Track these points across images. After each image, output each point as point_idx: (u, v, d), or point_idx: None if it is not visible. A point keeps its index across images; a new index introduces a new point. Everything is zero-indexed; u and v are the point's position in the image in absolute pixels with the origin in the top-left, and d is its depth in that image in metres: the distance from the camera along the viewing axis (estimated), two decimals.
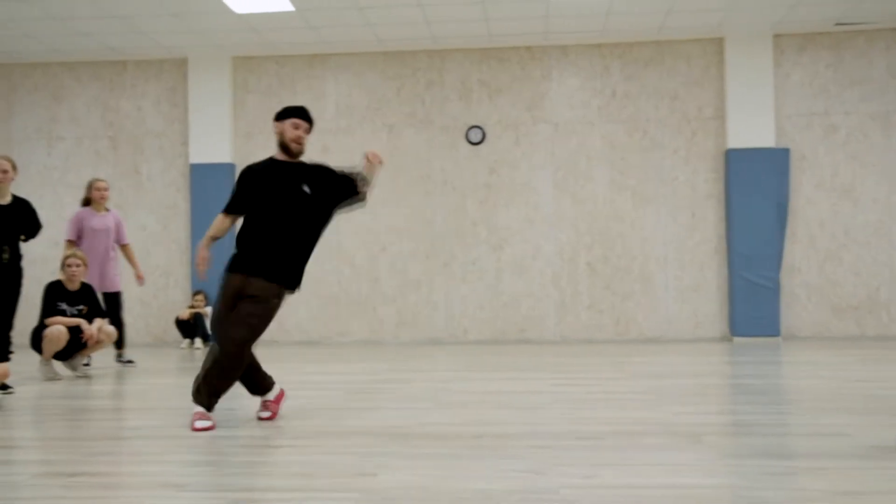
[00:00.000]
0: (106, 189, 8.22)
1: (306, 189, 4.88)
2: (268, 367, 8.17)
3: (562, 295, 10.44)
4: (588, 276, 10.41)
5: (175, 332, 10.40)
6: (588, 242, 10.43)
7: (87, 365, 7.84)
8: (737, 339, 10.00)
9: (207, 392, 4.81)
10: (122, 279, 8.46)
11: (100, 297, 7.99)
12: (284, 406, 5.46)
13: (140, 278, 8.45)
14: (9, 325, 6.64)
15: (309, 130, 4.95)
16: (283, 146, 4.96)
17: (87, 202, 8.19)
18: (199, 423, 4.67)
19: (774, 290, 9.97)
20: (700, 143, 10.35)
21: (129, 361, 8.18)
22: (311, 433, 4.50)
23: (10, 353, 6.63)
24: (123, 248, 8.39)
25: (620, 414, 5.01)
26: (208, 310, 10.36)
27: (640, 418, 4.84)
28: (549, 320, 10.44)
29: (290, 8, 8.98)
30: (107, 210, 8.28)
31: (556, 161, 10.50)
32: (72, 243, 8.01)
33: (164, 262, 10.80)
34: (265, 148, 10.73)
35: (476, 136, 10.57)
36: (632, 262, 10.38)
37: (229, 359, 4.79)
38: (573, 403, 5.43)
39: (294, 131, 4.91)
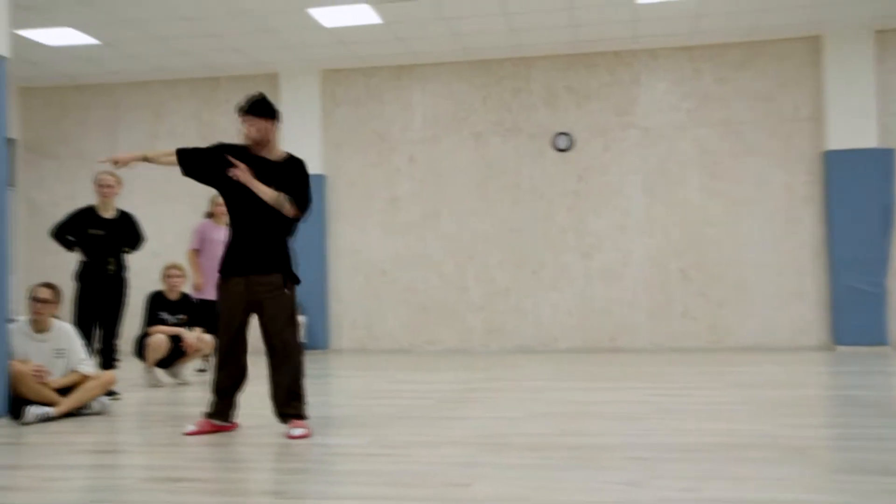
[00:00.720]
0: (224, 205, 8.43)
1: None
2: (359, 375, 8.31)
3: (653, 302, 10.25)
4: (681, 282, 10.20)
5: None
6: (680, 248, 10.22)
7: (203, 371, 8.11)
8: (840, 348, 9.63)
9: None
10: None
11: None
12: (377, 413, 5.51)
13: None
14: (115, 335, 6.92)
15: (259, 122, 4.96)
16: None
17: (209, 215, 8.46)
18: (297, 431, 4.73)
19: (881, 296, 9.57)
20: (796, 146, 10.03)
21: (202, 370, 8.42)
22: (405, 442, 4.53)
23: (117, 360, 6.91)
24: None
25: (720, 425, 4.87)
26: (301, 318, 10.55)
27: (740, 430, 4.70)
28: (641, 328, 10.27)
29: (377, 21, 9.10)
30: (226, 224, 8.50)
31: (646, 166, 10.34)
32: (196, 252, 8.26)
33: None
34: (354, 158, 10.95)
35: (564, 143, 10.50)
36: (726, 268, 10.12)
37: (297, 362, 4.99)
38: (670, 414, 5.31)
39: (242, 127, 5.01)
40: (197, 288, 8.15)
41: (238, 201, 4.91)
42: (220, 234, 8.44)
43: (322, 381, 8.02)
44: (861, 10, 9.11)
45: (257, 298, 4.86)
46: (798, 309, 9.97)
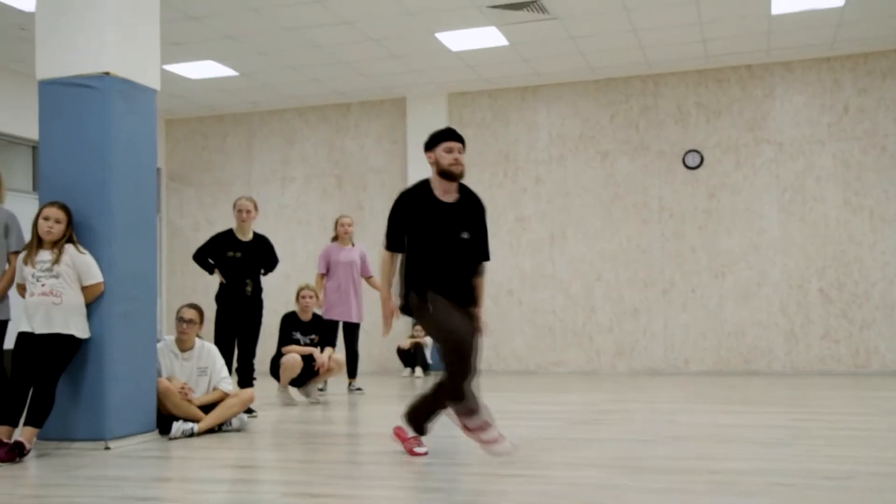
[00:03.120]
0: (350, 224, 8.71)
1: (465, 235, 4.73)
2: (487, 396, 8.28)
3: (791, 324, 9.82)
4: (821, 303, 9.73)
5: (397, 361, 10.79)
6: (820, 267, 9.76)
7: (322, 390, 8.30)
8: None
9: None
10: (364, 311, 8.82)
11: (341, 326, 8.46)
12: (509, 434, 5.48)
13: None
14: (252, 354, 7.17)
15: (463, 150, 4.70)
16: (443, 173, 4.67)
17: (335, 238, 8.72)
18: (418, 449, 4.76)
19: None
20: None
21: (359, 389, 8.56)
22: (537, 463, 4.48)
23: (254, 379, 7.16)
24: (368, 280, 8.76)
25: (870, 453, 4.59)
26: (428, 340, 10.68)
27: (893, 458, 4.41)
28: (778, 350, 9.85)
29: (504, 42, 9.16)
30: (352, 245, 8.75)
31: (781, 183, 9.95)
32: (323, 276, 8.53)
33: None
34: (481, 179, 11.02)
35: (694, 161, 10.24)
36: (871, 287, 9.59)
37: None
38: (815, 440, 5.05)
39: (448, 155, 4.65)
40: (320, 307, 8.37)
41: (440, 252, 4.67)
42: (346, 255, 8.64)
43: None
44: None
45: None
46: None
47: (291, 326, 7.87)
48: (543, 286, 10.71)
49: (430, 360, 10.62)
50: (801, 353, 9.78)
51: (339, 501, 3.74)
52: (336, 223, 8.77)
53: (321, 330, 7.98)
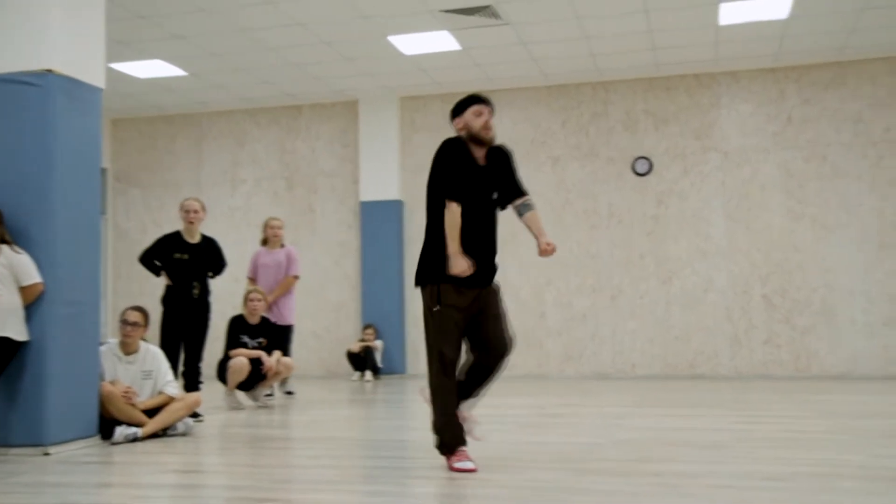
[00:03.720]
0: (279, 227, 8.57)
1: (495, 196, 4.52)
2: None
3: (735, 329, 10.00)
4: (764, 309, 9.93)
5: (346, 365, 10.73)
6: (763, 274, 9.96)
7: (270, 395, 8.21)
8: None
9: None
10: (296, 313, 8.76)
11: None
12: None
13: (269, 306, 8.36)
14: (199, 357, 7.08)
15: (493, 112, 4.46)
16: (474, 138, 4.43)
17: (264, 241, 8.64)
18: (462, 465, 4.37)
19: None
20: (888, 168, 9.70)
21: (290, 393, 8.49)
22: (486, 467, 4.49)
23: (201, 383, 7.06)
24: (285, 278, 8.41)
25: (810, 455, 4.70)
26: (378, 343, 10.65)
27: (831, 459, 4.52)
28: (723, 355, 10.02)
29: (456, 47, 9.19)
30: (281, 246, 8.64)
31: (727, 190, 10.13)
32: (252, 280, 8.48)
33: (336, 297, 11.20)
34: None
35: (643, 167, 10.38)
36: (812, 294, 9.81)
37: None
38: (756, 442, 5.15)
39: (479, 119, 4.41)
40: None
41: (474, 217, 4.39)
42: (271, 258, 8.53)
43: (399, 406, 8.04)
44: None
45: (483, 307, 4.54)
46: (889, 337, 9.59)
47: (239, 329, 7.78)
48: None
49: (380, 364, 10.58)
50: (745, 358, 9.96)
51: None
52: (265, 226, 8.65)
53: (269, 333, 7.90)
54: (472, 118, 4.44)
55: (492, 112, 4.47)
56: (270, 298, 8.34)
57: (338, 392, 9.14)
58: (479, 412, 7.11)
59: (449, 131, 11.84)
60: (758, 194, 10.07)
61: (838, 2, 8.08)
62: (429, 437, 5.62)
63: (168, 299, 7.02)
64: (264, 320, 7.93)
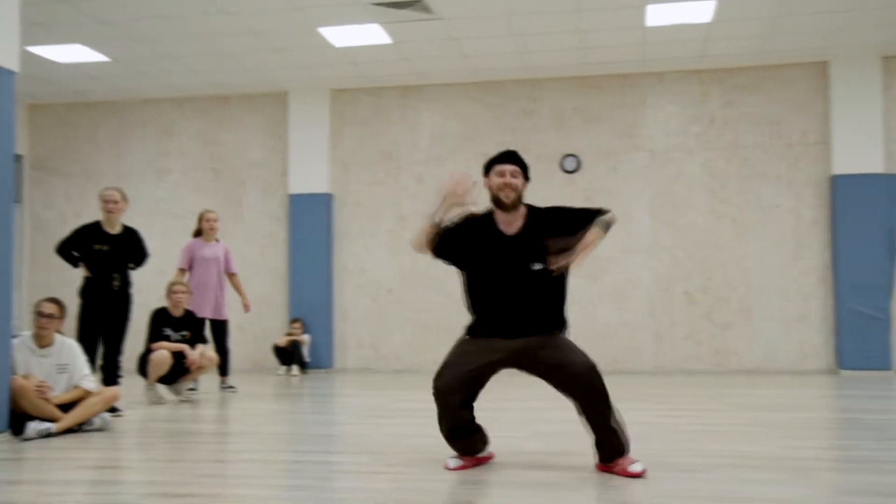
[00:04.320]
0: (216, 220, 8.52)
1: (537, 267, 4.10)
2: (363, 394, 8.28)
3: (658, 325, 10.22)
4: (686, 305, 10.17)
5: (273, 359, 10.62)
6: (686, 271, 10.20)
7: (192, 390, 8.08)
8: (844, 372, 9.58)
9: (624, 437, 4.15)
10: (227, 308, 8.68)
11: (208, 324, 8.27)
12: (381, 432, 5.50)
13: (247, 307, 8.71)
14: (119, 351, 6.91)
15: (518, 173, 4.13)
16: (495, 201, 4.16)
17: (198, 233, 8.51)
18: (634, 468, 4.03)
19: (886, 321, 9.53)
20: (803, 170, 10.02)
21: (231, 388, 8.38)
22: (409, 461, 4.50)
23: (120, 377, 6.90)
24: (231, 276, 8.64)
25: (723, 446, 4.84)
26: (305, 337, 10.57)
27: (744, 451, 4.66)
28: (646, 351, 10.23)
29: (387, 40, 9.16)
30: (216, 240, 8.57)
31: (652, 189, 10.34)
32: (183, 272, 8.33)
33: (262, 291, 11.06)
34: (362, 177, 10.98)
35: (571, 165, 10.51)
36: (731, 291, 10.09)
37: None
38: (673, 435, 5.28)
39: (500, 179, 4.11)
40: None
41: (506, 289, 4.18)
42: (210, 251, 8.45)
43: (326, 400, 8.00)
44: (868, 37, 9.13)
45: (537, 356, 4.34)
46: (803, 333, 9.93)
47: (162, 322, 7.63)
48: (423, 285, 10.76)
49: (307, 358, 10.50)
50: (667, 353, 10.19)
51: (202, 501, 3.65)
52: (200, 218, 8.57)
53: (193, 326, 7.77)
54: (494, 178, 4.14)
55: (518, 172, 4.13)
56: (244, 299, 8.63)
57: (263, 386, 9.04)
58: (408, 406, 7.14)
59: (378, 126, 11.77)
60: (682, 193, 10.30)
61: (759, 7, 8.31)
62: (352, 432, 5.61)
63: (87, 291, 6.84)
64: (188, 313, 7.79)
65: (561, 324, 4.30)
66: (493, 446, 4.96)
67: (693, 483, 3.86)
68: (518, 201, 4.15)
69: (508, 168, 4.13)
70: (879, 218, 9.61)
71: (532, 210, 4.22)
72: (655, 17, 8.51)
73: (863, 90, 9.75)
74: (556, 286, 4.20)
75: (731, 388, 8.19)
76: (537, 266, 4.09)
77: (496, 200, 4.16)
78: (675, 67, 10.24)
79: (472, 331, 4.37)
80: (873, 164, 9.67)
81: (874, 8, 8.31)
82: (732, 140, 10.18)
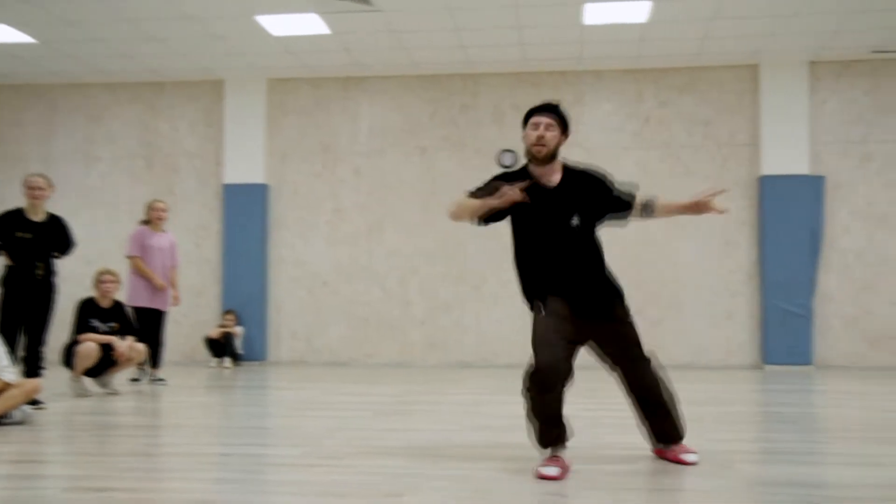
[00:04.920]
0: (164, 210, 8.45)
1: (576, 222, 4.07)
2: (297, 386, 8.22)
3: None
4: None
5: (205, 351, 10.46)
6: (619, 267, 10.29)
7: (136, 380, 7.98)
8: (768, 368, 9.86)
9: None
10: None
11: (145, 313, 8.13)
12: (313, 424, 5.47)
13: (177, 299, 8.59)
14: (41, 341, 6.72)
15: (553, 126, 4.05)
16: (529, 154, 4.14)
17: (146, 222, 8.38)
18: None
19: (808, 318, 9.83)
20: (733, 170, 10.26)
21: (161, 380, 8.23)
22: (340, 453, 4.48)
23: (42, 368, 6.71)
24: (171, 269, 8.53)
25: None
26: (238, 329, 10.43)
27: None
28: None
29: (326, 31, 9.08)
30: (164, 231, 8.47)
31: None
32: (136, 259, 8.18)
33: (196, 282, 10.88)
34: (299, 168, 10.87)
35: (508, 160, 10.57)
36: (663, 288, 10.29)
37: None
38: (605, 428, 5.37)
39: (533, 133, 4.06)
40: (160, 289, 8.21)
41: (545, 243, 4.12)
42: (159, 240, 8.37)
43: (258, 393, 7.91)
44: (795, 42, 9.39)
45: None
46: (730, 329, 10.18)
47: (89, 313, 7.45)
48: (360, 278, 10.72)
49: (240, 350, 10.37)
50: None
51: (126, 495, 3.58)
52: (148, 207, 8.45)
53: (122, 317, 7.60)
54: (528, 133, 4.09)
55: (553, 124, 4.06)
56: (175, 292, 8.55)
57: (195, 379, 8.90)
58: (343, 399, 7.11)
59: (317, 116, 11.69)
60: None
61: (693, 9, 8.48)
62: (285, 424, 5.57)
63: (8, 280, 6.63)
64: (117, 304, 7.63)
65: (618, 291, 4.28)
66: (429, 439, 4.96)
67: (621, 476, 3.92)
68: (551, 155, 4.08)
69: (544, 120, 4.05)
70: (804, 218, 9.91)
71: (568, 168, 4.20)
72: (593, 15, 8.61)
73: (790, 94, 10.03)
74: (594, 245, 4.18)
75: None
76: (576, 221, 4.06)
77: (529, 154, 4.11)
78: (613, 66, 10.38)
79: (535, 304, 4.17)
80: (799, 165, 9.96)
81: (802, 14, 8.55)
82: (666, 139, 10.37)
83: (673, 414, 4.27)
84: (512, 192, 3.93)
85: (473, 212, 4.13)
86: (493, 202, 3.99)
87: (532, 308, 4.19)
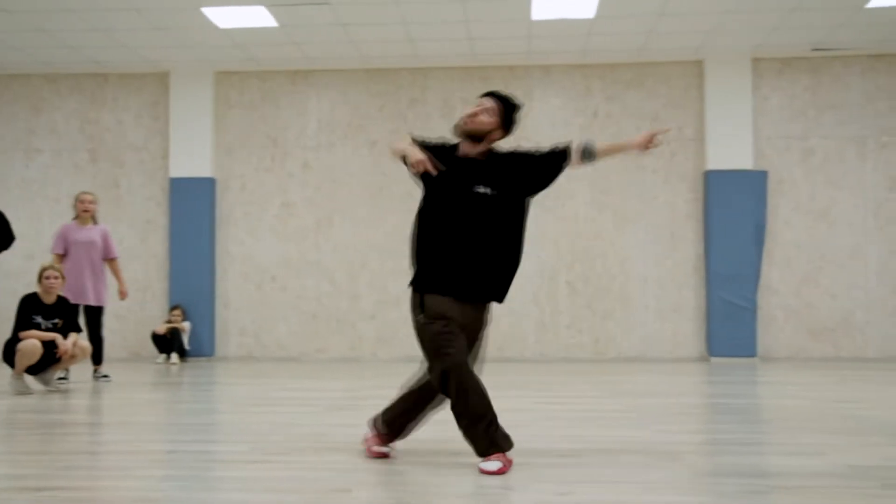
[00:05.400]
0: (91, 202, 8.21)
1: (482, 190, 3.92)
2: (244, 382, 8.14)
3: (541, 313, 10.44)
4: (568, 294, 10.43)
5: (151, 347, 10.30)
6: (569, 261, 10.45)
7: (63, 379, 7.76)
8: (714, 360, 10.04)
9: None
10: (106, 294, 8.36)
11: (82, 310, 7.95)
12: (261, 420, 5.42)
13: (123, 293, 8.39)
14: None
15: (494, 113, 4.00)
16: (456, 128, 4.07)
17: (76, 216, 8.20)
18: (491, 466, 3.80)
19: (751, 310, 10.03)
20: (680, 164, 10.42)
21: (105, 377, 8.08)
22: (288, 449, 4.45)
23: None
24: (111, 262, 8.32)
25: (599, 432, 4.99)
26: (185, 325, 10.29)
27: (618, 436, 4.83)
28: (529, 339, 10.44)
29: (273, 24, 8.99)
30: (94, 223, 8.25)
31: None
32: (60, 257, 7.99)
33: (141, 277, 10.71)
34: (247, 162, 10.75)
35: None
36: (612, 281, 10.41)
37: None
38: (552, 421, 5.41)
39: (470, 108, 4.04)
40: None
41: (451, 216, 3.96)
42: (85, 234, 8.15)
43: (206, 389, 7.82)
44: (739, 39, 9.57)
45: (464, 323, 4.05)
46: (677, 322, 10.35)
47: (32, 309, 7.28)
48: (308, 273, 10.65)
49: (187, 346, 10.24)
50: (550, 341, 10.43)
51: (66, 494, 3.51)
52: (76, 200, 8.25)
53: (66, 314, 7.45)
54: (468, 108, 4.07)
55: (489, 104, 4.01)
56: (122, 286, 8.31)
57: (141, 375, 8.76)
58: (292, 395, 7.06)
59: (265, 110, 11.55)
60: (565, 185, 10.51)
61: (639, 5, 8.58)
62: (232, 420, 5.52)
63: None
64: (61, 300, 7.46)
65: (501, 292, 4.07)
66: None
67: (568, 468, 3.96)
68: (478, 136, 4.01)
69: (488, 103, 4.00)
70: (748, 212, 10.10)
71: (494, 150, 4.11)
72: (540, 10, 8.66)
73: (734, 90, 10.21)
74: (504, 225, 3.94)
75: (609, 376, 8.46)
76: (483, 189, 3.90)
77: (457, 126, 4.04)
78: (561, 62, 10.46)
79: (422, 285, 3.96)
80: (743, 160, 10.15)
81: (745, 11, 8.71)
82: (615, 133, 10.47)
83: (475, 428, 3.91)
84: (423, 164, 3.84)
85: (397, 155, 4.09)
86: (410, 158, 3.88)
87: (413, 295, 4.03)
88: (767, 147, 10.29)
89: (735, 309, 10.04)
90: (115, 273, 8.37)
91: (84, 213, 8.17)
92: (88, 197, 8.23)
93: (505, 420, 5.42)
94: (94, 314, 8.16)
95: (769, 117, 10.30)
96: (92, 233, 8.19)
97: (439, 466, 3.98)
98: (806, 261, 10.23)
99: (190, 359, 10.32)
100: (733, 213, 10.08)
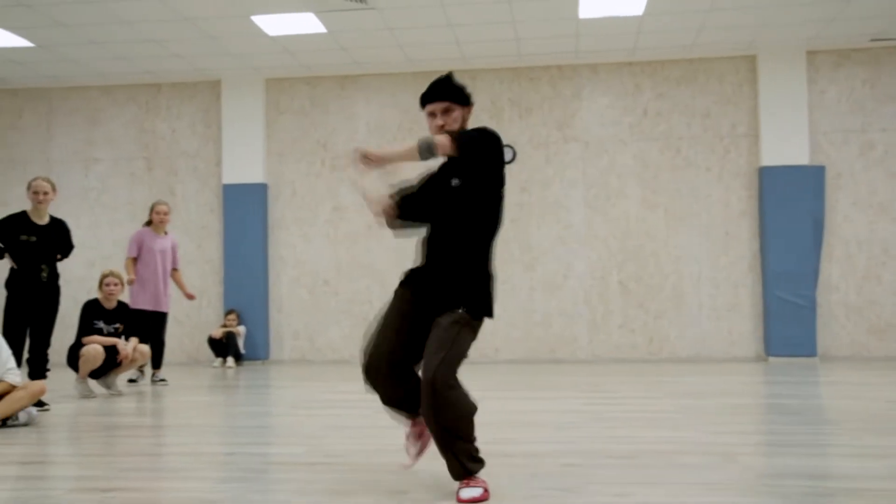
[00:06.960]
0: (166, 213, 8.46)
1: (455, 182, 3.66)
2: (299, 385, 8.23)
3: (593, 314, 10.37)
4: (620, 294, 10.33)
5: (208, 351, 10.48)
6: (620, 261, 10.36)
7: (134, 381, 7.99)
8: (772, 359, 9.85)
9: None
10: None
11: (148, 315, 8.16)
12: (317, 423, 5.48)
13: (191, 296, 8.63)
14: (46, 344, 6.74)
15: (450, 108, 3.61)
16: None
17: (148, 223, 8.41)
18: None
19: (811, 308, 9.82)
20: (733, 161, 10.26)
21: (163, 380, 8.25)
22: (344, 451, 4.49)
23: (47, 370, 6.73)
24: (174, 272, 8.59)
25: (655, 433, 4.94)
26: (241, 329, 10.45)
27: (674, 437, 4.77)
28: (581, 339, 10.37)
29: (322, 30, 9.08)
30: (165, 233, 8.48)
31: (587, 179, 10.47)
32: (133, 261, 8.20)
33: (197, 282, 10.89)
34: (297, 167, 10.88)
35: (507, 156, 10.54)
36: (664, 280, 10.29)
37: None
38: (607, 422, 5.37)
39: (432, 122, 3.66)
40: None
41: (430, 213, 3.73)
42: (160, 242, 8.40)
43: (261, 392, 7.92)
44: (793, 32, 9.38)
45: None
46: (733, 321, 10.18)
47: (94, 315, 7.47)
48: (360, 276, 10.73)
49: (242, 350, 10.38)
50: (602, 342, 10.35)
51: (129, 495, 3.59)
52: (151, 209, 8.49)
53: (126, 319, 7.62)
54: (429, 122, 3.69)
55: (449, 109, 3.63)
56: (187, 291, 8.56)
57: (198, 378, 8.91)
58: (342, 398, 7.11)
59: (315, 115, 11.66)
60: (615, 184, 10.45)
61: (688, 1, 8.46)
62: (289, 423, 5.58)
63: (13, 283, 6.65)
64: (121, 305, 7.64)
65: (470, 298, 3.71)
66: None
67: (624, 469, 3.93)
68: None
69: (438, 107, 3.62)
70: (805, 208, 9.90)
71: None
72: (588, 9, 8.60)
73: (789, 84, 10.02)
74: (473, 219, 3.62)
75: (662, 376, 8.36)
76: (455, 182, 3.64)
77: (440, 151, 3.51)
78: (609, 60, 10.37)
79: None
80: (799, 156, 9.95)
81: (798, 4, 8.54)
82: (665, 131, 10.36)
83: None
84: (377, 207, 3.71)
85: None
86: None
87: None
88: (824, 142, 10.08)
89: (793, 307, 9.84)
90: (178, 282, 8.59)
91: (160, 222, 8.41)
92: (164, 207, 8.46)
93: (557, 421, 5.41)
94: (161, 320, 8.38)
95: (826, 111, 10.08)
96: (165, 242, 8.43)
97: (492, 467, 3.97)
98: (867, 256, 9.99)
99: (245, 362, 10.47)
100: (790, 209, 9.89)
